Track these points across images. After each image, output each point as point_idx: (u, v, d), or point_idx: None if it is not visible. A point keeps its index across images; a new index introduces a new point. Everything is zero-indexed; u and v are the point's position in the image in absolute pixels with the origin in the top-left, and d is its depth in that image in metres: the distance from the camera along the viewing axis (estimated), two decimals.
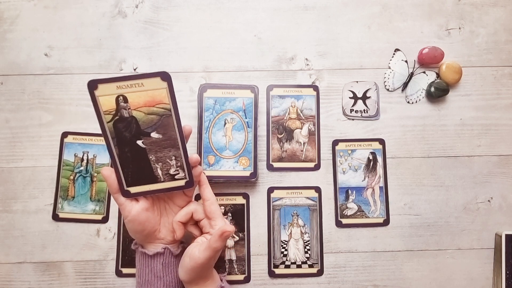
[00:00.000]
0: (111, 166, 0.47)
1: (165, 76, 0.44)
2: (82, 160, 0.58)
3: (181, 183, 0.48)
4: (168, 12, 0.62)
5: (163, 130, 0.46)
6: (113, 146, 0.45)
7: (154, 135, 0.46)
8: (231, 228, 0.46)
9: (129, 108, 0.44)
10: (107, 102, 0.44)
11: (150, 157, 0.46)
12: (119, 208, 0.53)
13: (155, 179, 0.47)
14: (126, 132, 0.45)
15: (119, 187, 0.46)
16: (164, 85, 0.44)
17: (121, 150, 0.46)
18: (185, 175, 0.48)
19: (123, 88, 0.43)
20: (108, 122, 0.44)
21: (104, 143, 0.49)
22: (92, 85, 0.43)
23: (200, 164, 0.48)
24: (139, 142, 0.46)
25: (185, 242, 0.53)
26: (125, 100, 0.44)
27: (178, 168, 0.47)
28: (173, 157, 0.47)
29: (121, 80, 0.43)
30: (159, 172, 0.47)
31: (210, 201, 0.49)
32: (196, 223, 0.52)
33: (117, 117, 0.44)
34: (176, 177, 0.48)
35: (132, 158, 0.46)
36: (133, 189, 0.47)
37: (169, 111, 0.45)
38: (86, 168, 0.58)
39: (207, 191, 0.50)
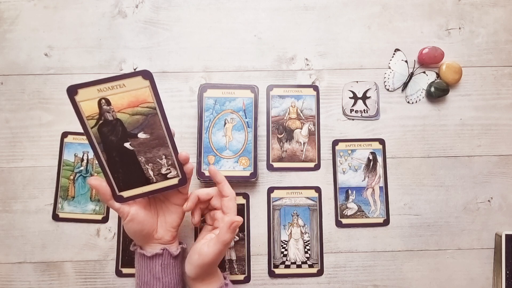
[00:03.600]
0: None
1: (146, 75, 0.43)
2: (82, 160, 0.58)
3: (175, 181, 0.48)
4: (168, 12, 0.62)
5: (150, 130, 0.45)
6: (100, 151, 0.44)
7: (141, 135, 0.45)
8: (239, 218, 0.46)
9: (113, 111, 0.43)
10: (89, 107, 0.42)
11: (140, 158, 0.46)
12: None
13: (147, 181, 0.46)
14: (112, 135, 0.44)
15: (112, 193, 0.45)
16: (146, 83, 0.43)
17: (109, 155, 0.45)
18: (177, 173, 0.47)
19: (104, 90, 0.42)
20: (92, 128, 0.43)
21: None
22: (72, 91, 0.42)
23: (189, 160, 0.48)
24: (127, 145, 0.45)
25: (183, 243, 0.53)
26: (108, 102, 0.43)
27: (169, 167, 0.47)
28: (163, 156, 0.46)
29: (101, 83, 0.42)
30: (151, 173, 0.46)
31: (229, 198, 0.49)
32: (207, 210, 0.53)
33: (101, 121, 0.43)
34: (168, 176, 0.47)
35: (121, 161, 0.45)
36: (126, 193, 0.46)
37: (154, 110, 0.44)
38: (86, 168, 0.58)
39: (226, 187, 0.50)
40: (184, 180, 0.48)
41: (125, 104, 0.43)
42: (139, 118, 0.44)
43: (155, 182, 0.47)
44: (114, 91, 0.43)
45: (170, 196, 0.50)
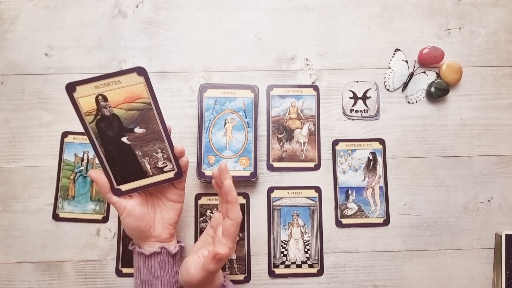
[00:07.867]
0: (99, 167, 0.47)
1: (141, 71, 0.44)
2: (82, 160, 0.58)
3: (171, 175, 0.48)
4: (168, 12, 0.62)
5: (146, 124, 0.46)
6: (99, 146, 0.46)
7: (137, 130, 0.46)
8: (223, 251, 0.43)
9: (110, 107, 0.45)
10: (87, 103, 0.44)
11: (137, 152, 0.47)
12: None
13: (144, 174, 0.48)
14: (109, 130, 0.46)
15: (110, 187, 0.47)
16: (141, 79, 0.45)
17: (107, 149, 0.46)
18: (173, 166, 0.48)
19: (101, 87, 0.44)
20: (90, 123, 0.45)
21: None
22: (70, 88, 0.44)
23: (184, 153, 0.48)
24: (124, 139, 0.46)
25: (182, 241, 0.53)
26: (105, 99, 0.45)
27: (165, 161, 0.48)
28: (159, 150, 0.47)
29: (98, 80, 0.44)
30: (147, 166, 0.48)
31: (233, 223, 0.45)
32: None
33: (98, 117, 0.45)
34: (164, 169, 0.48)
35: (119, 155, 0.47)
36: (124, 187, 0.47)
37: (149, 105, 0.46)
38: (86, 167, 0.58)
39: (234, 211, 0.45)
40: (179, 174, 0.49)
41: (121, 100, 0.45)
42: (135, 113, 0.46)
43: (152, 176, 0.48)
44: (110, 88, 0.44)
45: (166, 192, 0.50)
